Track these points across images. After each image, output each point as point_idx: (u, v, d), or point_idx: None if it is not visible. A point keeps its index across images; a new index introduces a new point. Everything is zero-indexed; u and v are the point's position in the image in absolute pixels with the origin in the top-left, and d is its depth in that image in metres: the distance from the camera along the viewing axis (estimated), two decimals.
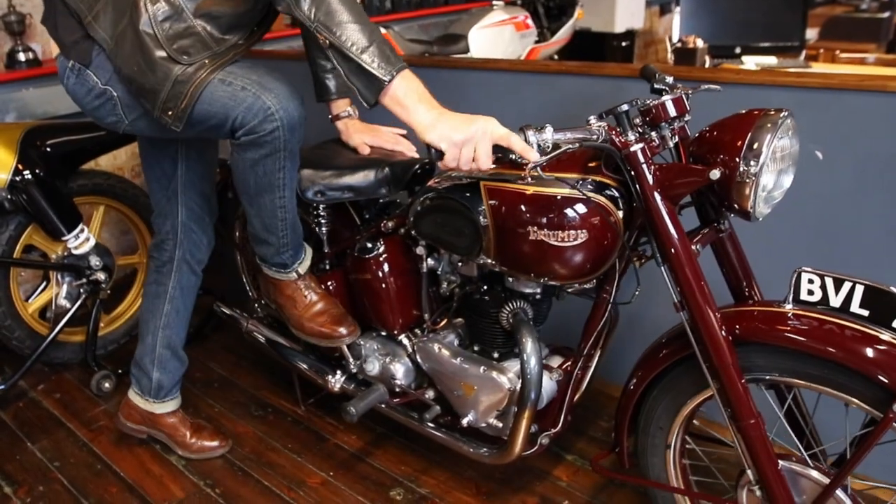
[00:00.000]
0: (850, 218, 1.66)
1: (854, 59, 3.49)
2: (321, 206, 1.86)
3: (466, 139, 1.21)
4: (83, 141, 2.28)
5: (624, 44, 5.41)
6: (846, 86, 1.60)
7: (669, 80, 1.36)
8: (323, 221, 1.87)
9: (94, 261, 2.31)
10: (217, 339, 2.69)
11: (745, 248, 1.42)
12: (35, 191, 2.09)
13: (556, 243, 1.33)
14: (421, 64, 2.29)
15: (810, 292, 1.20)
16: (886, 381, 1.10)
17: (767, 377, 1.29)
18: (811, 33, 4.07)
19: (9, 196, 2.07)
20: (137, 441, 2.09)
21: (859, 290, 1.15)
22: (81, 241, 2.24)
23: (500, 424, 1.64)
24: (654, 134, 1.27)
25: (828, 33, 4.10)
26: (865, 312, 1.15)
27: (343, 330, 1.78)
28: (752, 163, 1.14)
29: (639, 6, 5.40)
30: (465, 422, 1.67)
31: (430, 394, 1.77)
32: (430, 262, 1.72)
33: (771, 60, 3.33)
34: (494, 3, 4.18)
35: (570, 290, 1.62)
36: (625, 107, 1.26)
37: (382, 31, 3.28)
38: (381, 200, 1.90)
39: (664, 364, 1.42)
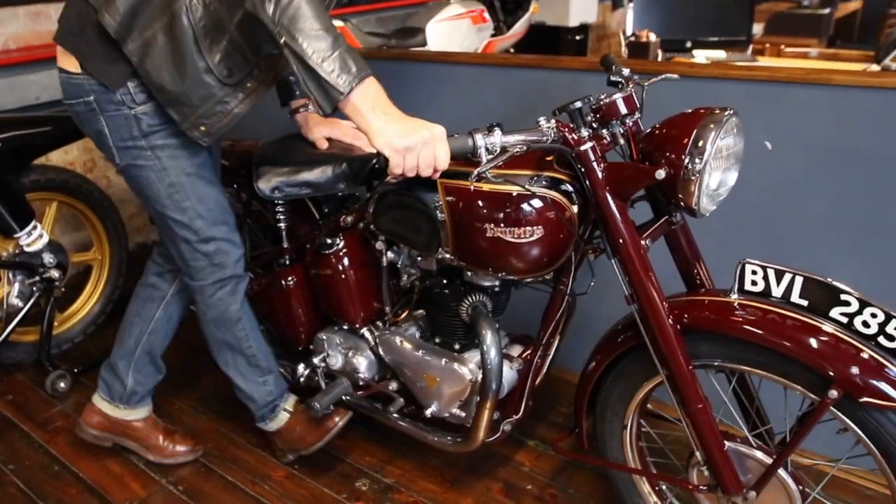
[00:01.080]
0: (797, 207, 1.73)
1: (798, 52, 3.62)
2: (281, 209, 1.86)
3: (408, 147, 1.23)
4: (34, 135, 2.24)
5: (578, 37, 5.48)
6: (792, 79, 1.67)
7: (626, 71, 1.41)
8: (282, 217, 1.87)
9: (48, 258, 2.27)
10: (185, 338, 2.66)
11: (697, 238, 1.48)
12: None
13: (512, 240, 1.37)
14: (380, 57, 2.31)
15: (754, 283, 1.26)
16: (823, 368, 1.16)
17: (715, 363, 1.35)
18: (757, 28, 4.20)
19: None
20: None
21: (798, 281, 1.21)
22: (34, 238, 2.20)
23: (463, 414, 1.68)
24: (604, 131, 1.31)
25: (772, 28, 4.22)
26: (804, 302, 1.22)
27: (337, 418, 1.87)
28: (696, 161, 1.19)
29: (592, 1, 5.48)
30: (428, 412, 1.70)
31: (393, 385, 1.80)
32: (390, 255, 1.75)
33: (720, 54, 3.42)
34: None
35: (528, 281, 1.66)
36: (578, 104, 1.29)
37: (339, 23, 3.29)
38: (339, 194, 1.91)
39: (618, 351, 1.47)
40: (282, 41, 1.23)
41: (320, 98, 1.24)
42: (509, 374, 1.64)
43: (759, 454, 1.34)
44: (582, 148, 1.27)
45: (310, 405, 1.75)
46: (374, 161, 1.59)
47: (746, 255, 1.29)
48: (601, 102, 1.29)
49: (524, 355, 1.66)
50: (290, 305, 1.88)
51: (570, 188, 1.38)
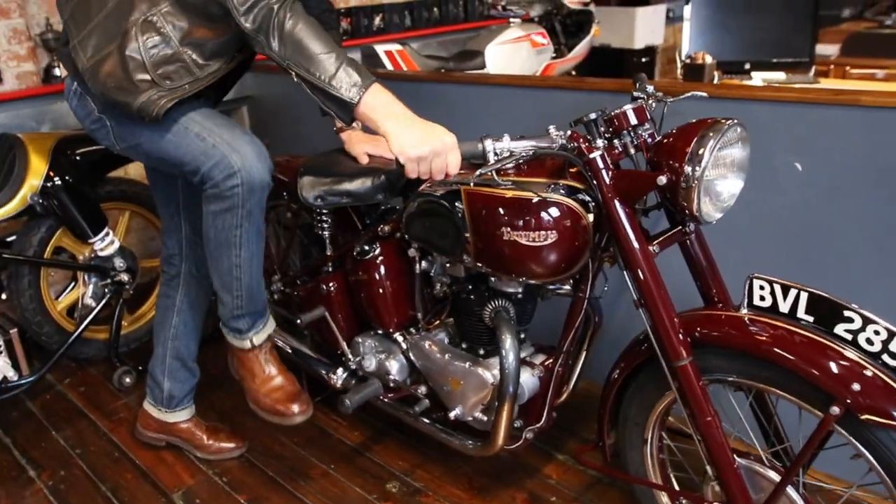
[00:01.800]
0: (827, 228, 1.72)
1: (864, 74, 3.52)
2: (324, 211, 1.98)
3: (421, 156, 1.32)
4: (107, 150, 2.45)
5: (644, 60, 5.48)
6: (820, 100, 1.67)
7: (650, 88, 1.46)
8: (326, 226, 1.99)
9: (119, 262, 2.46)
10: None
11: (726, 256, 1.50)
12: (64, 196, 2.25)
13: (527, 243, 1.43)
14: (426, 79, 2.41)
15: (762, 298, 1.28)
16: (825, 384, 1.17)
17: (729, 378, 1.36)
18: (833, 49, 4.10)
19: (41, 200, 2.24)
20: None
21: (804, 296, 1.22)
22: (107, 243, 2.40)
23: (485, 418, 1.73)
24: (616, 141, 1.37)
25: (849, 49, 4.11)
26: (810, 318, 1.23)
27: (295, 408, 1.83)
28: (695, 168, 1.23)
29: (659, 23, 5.47)
30: (452, 415, 1.76)
31: (422, 389, 1.88)
32: (424, 264, 1.84)
33: (779, 76, 3.38)
34: (511, 20, 4.29)
35: (551, 289, 1.72)
36: (592, 115, 1.36)
37: (397, 47, 3.43)
38: (381, 207, 2.02)
39: (637, 361, 1.50)
40: (293, 73, 1.36)
41: (338, 110, 1.36)
42: (530, 380, 1.69)
43: (770, 472, 1.35)
44: (591, 156, 1.33)
45: (341, 401, 1.84)
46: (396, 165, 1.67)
47: (777, 275, 1.29)
48: (612, 114, 1.34)
49: (546, 363, 1.71)
50: (331, 310, 1.99)
51: (587, 198, 1.43)
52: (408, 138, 1.32)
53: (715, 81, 3.37)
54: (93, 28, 1.54)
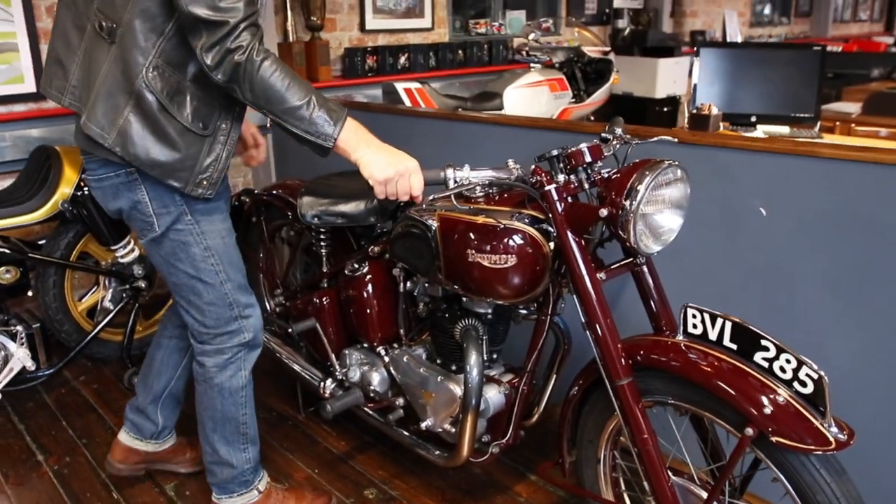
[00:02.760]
0: (792, 274, 1.81)
1: (869, 132, 3.61)
2: (322, 230, 2.15)
3: (387, 179, 1.46)
4: None
5: (666, 109, 5.62)
6: (785, 150, 1.79)
7: (618, 130, 1.60)
8: (324, 244, 2.16)
9: (138, 270, 2.66)
10: None
11: (698, 295, 1.61)
12: (92, 205, 2.46)
13: (489, 265, 1.57)
14: (426, 116, 2.60)
15: (694, 326, 1.39)
16: (742, 407, 1.27)
17: (668, 401, 1.47)
18: (855, 108, 4.20)
19: (70, 208, 2.45)
20: None
21: (728, 325, 1.33)
22: (127, 251, 2.60)
23: (454, 430, 1.85)
24: (573, 177, 1.51)
25: (871, 108, 4.20)
26: (734, 346, 1.34)
27: None
28: (632, 202, 1.36)
29: (682, 74, 5.61)
30: (424, 426, 1.89)
31: (399, 401, 2.01)
32: (409, 284, 1.98)
33: (783, 130, 3.49)
34: (533, 65, 4.48)
35: (522, 313, 1.84)
36: (554, 152, 1.50)
37: (418, 85, 3.62)
38: (376, 230, 2.18)
39: (590, 380, 1.61)
40: (268, 118, 1.46)
41: (315, 150, 1.48)
42: (496, 396, 1.81)
43: (700, 490, 1.44)
44: (546, 188, 1.47)
45: (322, 407, 1.98)
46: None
47: (739, 313, 1.38)
48: (570, 151, 1.49)
49: (512, 381, 1.82)
50: (323, 322, 2.14)
51: (549, 228, 1.57)
52: (376, 164, 1.46)
53: (720, 131, 3.49)
54: (96, 94, 1.50)
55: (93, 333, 2.61)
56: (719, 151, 1.91)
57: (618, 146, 1.60)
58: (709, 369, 1.33)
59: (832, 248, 1.73)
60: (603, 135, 1.62)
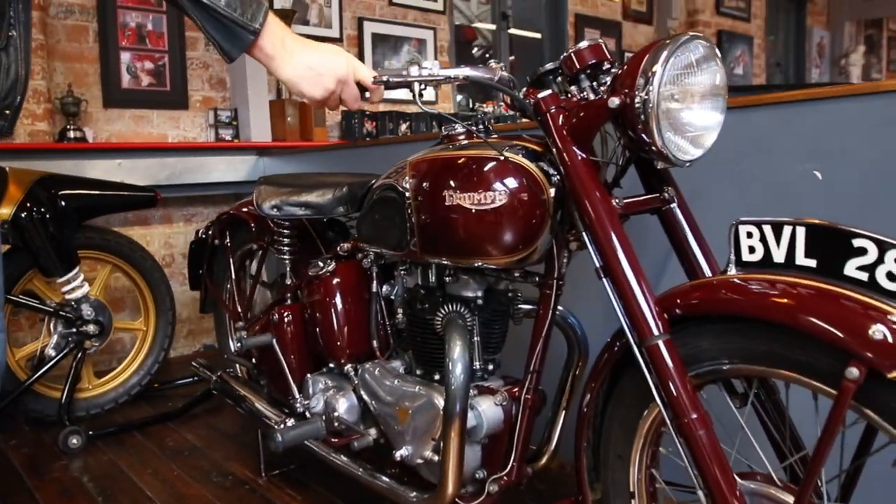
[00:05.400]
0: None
1: None
2: (284, 232, 1.81)
3: (328, 93, 1.14)
4: (95, 197, 2.39)
5: None
6: (831, 95, 1.46)
7: None
8: (286, 248, 1.82)
9: (87, 310, 2.31)
10: (203, 417, 2.57)
11: None
12: (37, 228, 2.16)
13: (470, 206, 1.21)
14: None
15: (751, 249, 1.00)
16: (838, 341, 0.86)
17: (724, 367, 1.04)
18: None
19: (9, 229, 2.15)
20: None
21: (800, 233, 0.94)
22: (75, 285, 2.27)
23: (437, 459, 1.40)
24: (573, 88, 1.17)
25: None
26: (813, 262, 0.94)
27: None
28: (650, 86, 1.01)
29: None
30: (398, 455, 1.44)
31: (371, 433, 1.57)
32: (385, 288, 1.61)
33: None
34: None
35: (523, 307, 1.46)
36: (549, 66, 1.19)
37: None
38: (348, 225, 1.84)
39: (612, 364, 1.19)
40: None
41: (224, 41, 1.10)
42: (491, 409, 1.38)
43: (782, 494, 0.99)
44: (540, 95, 1.14)
45: (271, 437, 1.54)
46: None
47: None
48: (565, 55, 1.16)
49: (511, 390, 1.40)
50: (282, 341, 1.75)
51: (550, 169, 1.22)
52: (308, 77, 1.13)
53: None
54: None
55: (27, 384, 2.23)
56: (752, 113, 1.58)
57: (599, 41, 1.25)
58: (778, 300, 0.92)
59: None
60: None
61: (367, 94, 1.17)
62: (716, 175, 1.59)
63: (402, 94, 4.19)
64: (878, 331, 0.83)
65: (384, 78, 1.16)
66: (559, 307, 1.46)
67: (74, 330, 2.31)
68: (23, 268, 2.27)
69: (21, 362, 2.36)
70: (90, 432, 2.28)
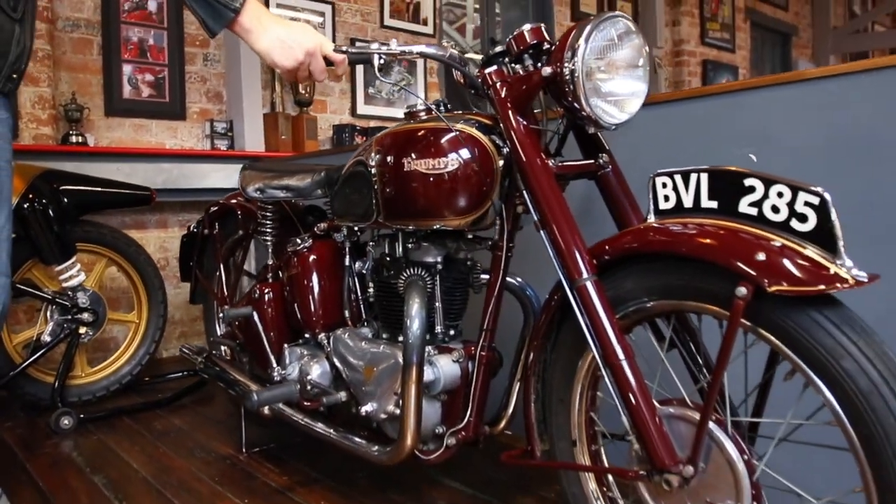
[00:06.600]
0: None
1: None
2: (268, 214, 1.94)
3: (298, 63, 1.28)
4: (94, 192, 2.53)
5: None
6: (760, 84, 1.61)
7: None
8: (269, 229, 1.95)
9: (82, 299, 2.43)
10: (191, 406, 2.67)
11: None
12: (38, 218, 2.29)
13: (426, 171, 1.35)
14: None
15: (666, 198, 1.14)
16: (729, 265, 0.99)
17: (646, 305, 1.17)
18: None
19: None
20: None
21: (704, 179, 1.08)
22: (72, 273, 2.39)
23: (399, 412, 1.52)
24: (518, 67, 1.32)
25: None
26: (714, 204, 1.08)
27: None
28: (574, 57, 1.17)
29: None
30: (363, 410, 1.56)
31: (342, 395, 1.68)
32: (357, 264, 1.74)
33: None
34: None
35: (482, 277, 1.58)
36: (498, 48, 1.33)
37: None
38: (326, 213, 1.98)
39: (552, 315, 1.31)
40: None
41: (210, 19, 1.24)
42: (449, 366, 1.50)
43: (690, 412, 1.11)
44: (486, 71, 1.28)
45: (248, 397, 1.66)
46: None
47: None
48: (510, 37, 1.32)
49: (468, 348, 1.52)
50: (262, 315, 1.88)
51: (499, 141, 1.36)
52: (281, 47, 1.27)
53: None
54: None
55: (21, 366, 2.34)
56: (700, 102, 1.73)
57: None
58: (684, 238, 1.06)
59: (840, 177, 1.49)
60: None
61: (334, 66, 1.32)
62: (660, 160, 1.73)
63: (392, 111, 4.36)
64: (760, 255, 0.96)
65: (344, 48, 1.31)
66: (517, 279, 1.60)
67: (70, 317, 2.43)
68: (23, 257, 2.40)
69: (18, 348, 2.47)
70: (81, 416, 2.39)
